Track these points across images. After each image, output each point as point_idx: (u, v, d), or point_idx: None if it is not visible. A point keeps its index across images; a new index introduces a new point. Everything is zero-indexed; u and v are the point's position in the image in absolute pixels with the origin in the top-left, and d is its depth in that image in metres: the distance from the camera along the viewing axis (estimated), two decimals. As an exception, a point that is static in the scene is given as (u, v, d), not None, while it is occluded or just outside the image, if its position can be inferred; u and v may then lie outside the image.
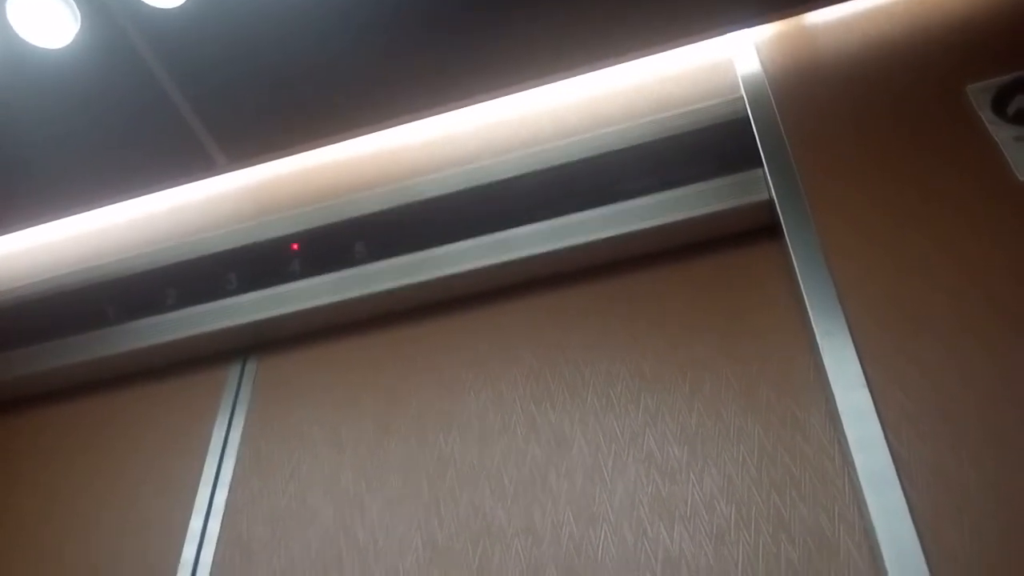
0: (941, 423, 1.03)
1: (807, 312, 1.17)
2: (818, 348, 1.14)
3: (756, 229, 1.37)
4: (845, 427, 1.05)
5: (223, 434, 1.52)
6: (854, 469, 1.03)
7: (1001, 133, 1.24)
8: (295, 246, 1.62)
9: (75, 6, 1.46)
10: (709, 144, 1.42)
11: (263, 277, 1.59)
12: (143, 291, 1.69)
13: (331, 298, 1.52)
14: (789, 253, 1.24)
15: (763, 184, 1.34)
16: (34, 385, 1.73)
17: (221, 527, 1.41)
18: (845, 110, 1.37)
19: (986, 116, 1.27)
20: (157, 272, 1.70)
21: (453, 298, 1.52)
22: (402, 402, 1.43)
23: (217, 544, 1.39)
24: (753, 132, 1.38)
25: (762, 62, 1.48)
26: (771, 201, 1.31)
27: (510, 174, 1.52)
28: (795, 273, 1.22)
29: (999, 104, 1.27)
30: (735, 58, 1.52)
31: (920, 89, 1.35)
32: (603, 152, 1.47)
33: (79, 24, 1.48)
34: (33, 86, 1.61)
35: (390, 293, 1.50)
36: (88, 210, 1.90)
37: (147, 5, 1.46)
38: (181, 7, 1.48)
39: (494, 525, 1.24)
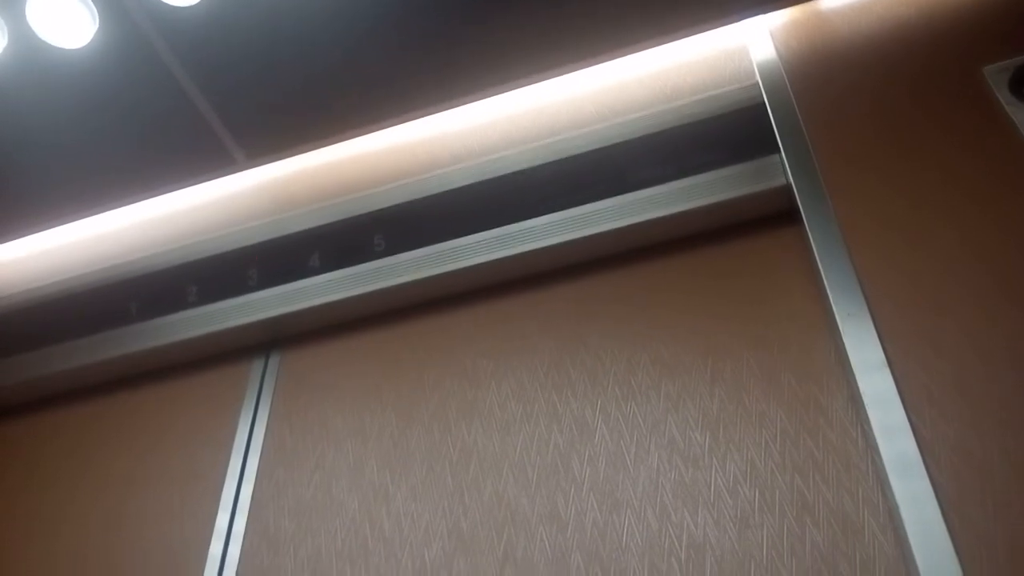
0: (963, 404, 1.03)
1: (827, 295, 1.18)
2: (839, 331, 1.14)
3: (774, 215, 1.37)
4: (868, 409, 1.05)
5: (248, 428, 1.54)
6: (877, 451, 1.03)
7: (1020, 114, 1.23)
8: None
9: (92, 6, 1.48)
10: (726, 131, 1.42)
11: (284, 272, 1.61)
12: (165, 288, 1.70)
13: (352, 292, 1.53)
14: (808, 237, 1.24)
15: (780, 170, 1.34)
16: (58, 383, 1.75)
17: (247, 521, 1.42)
18: (861, 94, 1.37)
19: (1004, 97, 1.26)
20: (179, 269, 1.72)
21: (472, 289, 1.53)
22: (424, 393, 1.44)
23: (244, 538, 1.40)
24: (769, 118, 1.38)
25: (777, 48, 1.48)
26: (788, 186, 1.31)
27: (527, 165, 1.53)
28: (814, 257, 1.22)
29: (1017, 85, 1.26)
30: (750, 45, 1.52)
31: (936, 71, 1.35)
32: (620, 141, 1.48)
33: (97, 23, 1.49)
34: (52, 86, 1.63)
35: (410, 286, 1.51)
36: (108, 209, 1.92)
37: (164, 4, 1.48)
38: (198, 5, 1.49)
39: (518, 513, 1.24)
